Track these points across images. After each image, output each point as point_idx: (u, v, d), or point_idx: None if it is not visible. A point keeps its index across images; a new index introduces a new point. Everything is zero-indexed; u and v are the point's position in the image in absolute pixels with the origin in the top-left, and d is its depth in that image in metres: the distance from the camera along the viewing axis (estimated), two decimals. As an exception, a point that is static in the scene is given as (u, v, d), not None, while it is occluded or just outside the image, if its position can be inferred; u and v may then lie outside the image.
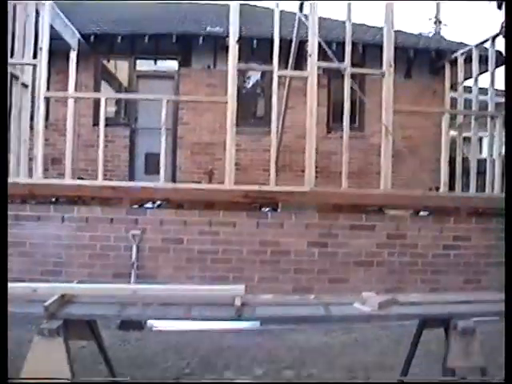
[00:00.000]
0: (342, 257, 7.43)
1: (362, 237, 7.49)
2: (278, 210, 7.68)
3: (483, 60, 9.59)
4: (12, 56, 8.01)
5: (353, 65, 7.92)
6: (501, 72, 9.47)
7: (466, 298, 5.21)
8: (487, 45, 9.49)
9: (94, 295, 4.74)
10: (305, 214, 7.56)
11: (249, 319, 5.12)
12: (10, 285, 4.42)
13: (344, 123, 7.79)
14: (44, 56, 7.74)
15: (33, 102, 8.16)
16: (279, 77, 7.90)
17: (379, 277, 7.44)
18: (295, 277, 7.36)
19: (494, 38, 9.17)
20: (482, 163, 9.45)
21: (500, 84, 9.47)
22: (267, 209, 7.74)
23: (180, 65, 13.09)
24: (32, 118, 8.12)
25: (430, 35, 19.82)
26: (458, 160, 9.51)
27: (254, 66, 12.64)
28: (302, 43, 10.13)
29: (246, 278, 7.15)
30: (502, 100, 9.53)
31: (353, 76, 8.04)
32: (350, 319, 5.32)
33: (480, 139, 11.30)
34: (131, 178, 12.51)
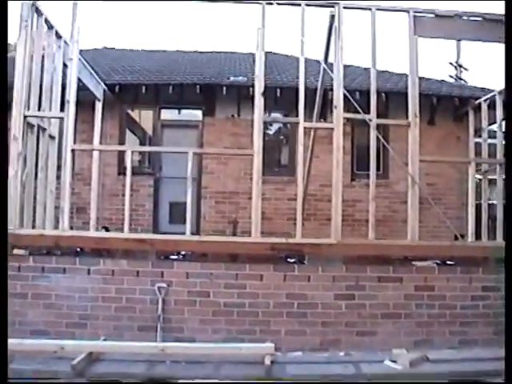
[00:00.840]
0: (369, 309, 7.31)
1: (389, 289, 7.38)
2: (305, 262, 7.62)
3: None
4: (39, 108, 8.15)
5: (378, 115, 7.91)
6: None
7: (498, 354, 5.12)
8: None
9: (122, 353, 4.74)
10: (331, 266, 7.47)
11: (279, 379, 5.07)
12: (36, 341, 4.42)
13: (370, 174, 7.73)
14: (71, 109, 7.80)
15: (59, 152, 8.25)
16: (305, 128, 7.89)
17: (407, 329, 7.31)
18: (322, 330, 7.24)
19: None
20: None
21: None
22: (293, 260, 7.69)
23: (204, 114, 13.18)
24: (59, 169, 8.21)
25: (452, 80, 19.83)
26: (484, 206, 9.44)
27: (280, 118, 12.75)
28: (326, 90, 10.19)
29: (272, 331, 7.06)
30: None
31: (378, 125, 8.01)
32: (381, 378, 5.25)
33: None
34: (155, 227, 12.57)
